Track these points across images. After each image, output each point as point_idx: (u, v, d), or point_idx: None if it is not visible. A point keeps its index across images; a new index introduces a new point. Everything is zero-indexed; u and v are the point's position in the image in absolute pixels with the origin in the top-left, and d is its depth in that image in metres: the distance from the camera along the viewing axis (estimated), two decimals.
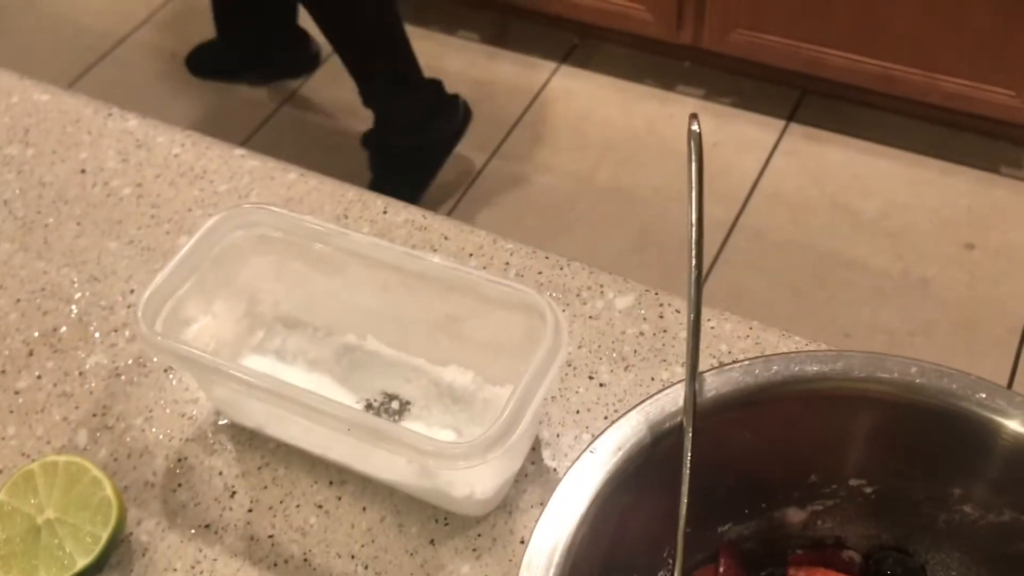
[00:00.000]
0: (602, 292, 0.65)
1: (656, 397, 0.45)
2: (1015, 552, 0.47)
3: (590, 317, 0.64)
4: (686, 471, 0.43)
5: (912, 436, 0.47)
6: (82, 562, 0.53)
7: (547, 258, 0.67)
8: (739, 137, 1.82)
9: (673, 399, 0.45)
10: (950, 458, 0.47)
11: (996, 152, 1.75)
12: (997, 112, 1.68)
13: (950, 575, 0.50)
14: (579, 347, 0.63)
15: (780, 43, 1.75)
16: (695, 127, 0.42)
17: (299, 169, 0.73)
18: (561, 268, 0.67)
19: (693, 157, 0.42)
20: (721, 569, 0.49)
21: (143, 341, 0.53)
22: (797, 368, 0.46)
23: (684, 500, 0.43)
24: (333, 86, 1.68)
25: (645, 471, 0.44)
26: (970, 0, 1.58)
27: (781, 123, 1.84)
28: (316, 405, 0.51)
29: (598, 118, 1.87)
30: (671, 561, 0.46)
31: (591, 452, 0.43)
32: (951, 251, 1.64)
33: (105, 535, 0.54)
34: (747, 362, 0.46)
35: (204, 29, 1.91)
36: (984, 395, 0.44)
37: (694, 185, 0.42)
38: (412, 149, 1.72)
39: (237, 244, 0.58)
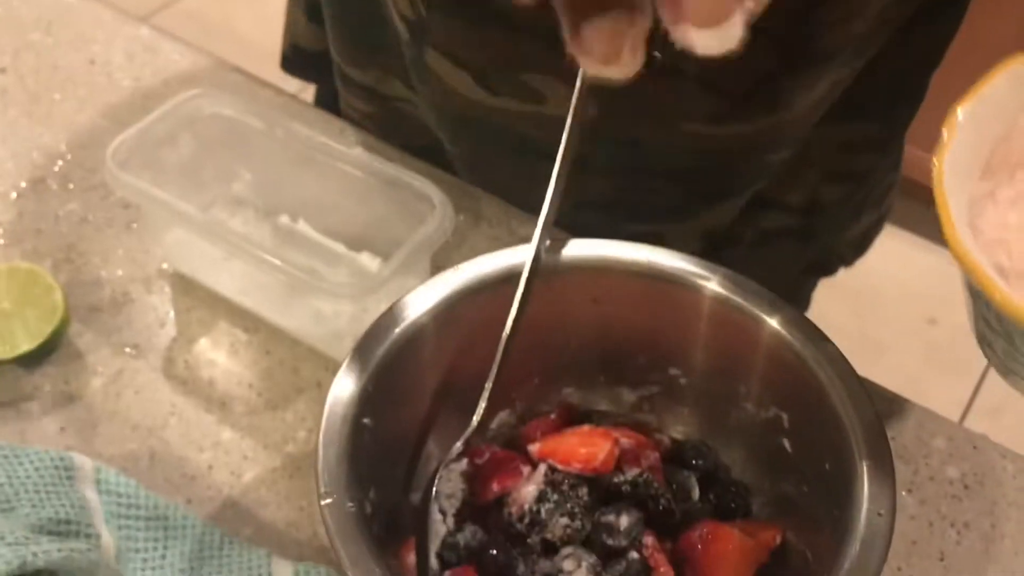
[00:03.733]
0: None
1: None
2: (775, 447, 0.57)
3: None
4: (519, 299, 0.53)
5: (714, 333, 0.56)
6: (25, 346, 0.64)
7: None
8: None
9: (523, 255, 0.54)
10: (738, 356, 0.57)
11: None
12: None
13: (735, 471, 0.60)
14: None
15: None
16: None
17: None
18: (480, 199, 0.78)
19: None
20: (553, 416, 0.59)
21: (109, 175, 0.64)
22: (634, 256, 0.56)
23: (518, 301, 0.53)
24: None
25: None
26: None
27: None
28: (247, 247, 0.62)
29: None
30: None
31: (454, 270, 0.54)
32: None
33: (49, 330, 0.64)
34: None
35: None
36: (753, 297, 0.54)
37: None
38: None
39: (203, 117, 0.70)
